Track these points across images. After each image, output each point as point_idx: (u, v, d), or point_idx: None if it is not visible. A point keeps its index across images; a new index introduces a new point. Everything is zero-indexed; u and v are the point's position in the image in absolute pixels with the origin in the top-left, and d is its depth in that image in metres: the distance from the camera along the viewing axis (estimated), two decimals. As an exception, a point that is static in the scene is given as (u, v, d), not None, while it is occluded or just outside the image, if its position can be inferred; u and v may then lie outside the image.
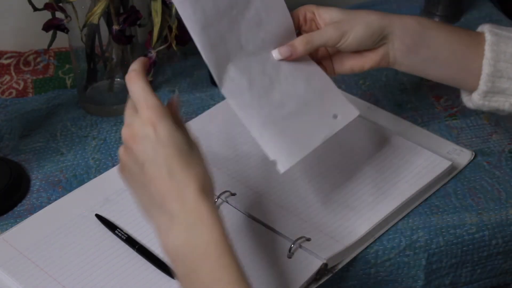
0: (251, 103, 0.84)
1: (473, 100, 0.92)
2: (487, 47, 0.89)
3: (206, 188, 0.72)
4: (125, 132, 0.73)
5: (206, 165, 0.74)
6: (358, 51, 0.90)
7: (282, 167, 0.82)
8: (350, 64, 0.92)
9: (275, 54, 0.88)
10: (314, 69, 0.91)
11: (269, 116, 0.84)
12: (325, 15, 0.90)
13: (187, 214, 0.71)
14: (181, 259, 0.71)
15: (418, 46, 0.90)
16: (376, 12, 0.90)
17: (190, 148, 0.73)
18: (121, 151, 0.74)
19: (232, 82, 0.84)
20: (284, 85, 0.87)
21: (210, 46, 0.82)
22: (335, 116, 0.89)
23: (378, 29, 0.88)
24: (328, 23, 0.89)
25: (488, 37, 0.90)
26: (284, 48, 0.88)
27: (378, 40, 0.89)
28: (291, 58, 0.88)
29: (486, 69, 0.89)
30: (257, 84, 0.85)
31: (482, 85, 0.90)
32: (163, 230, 0.72)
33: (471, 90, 0.92)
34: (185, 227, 0.71)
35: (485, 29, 0.91)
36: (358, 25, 0.88)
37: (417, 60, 0.91)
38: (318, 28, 0.90)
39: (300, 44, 0.88)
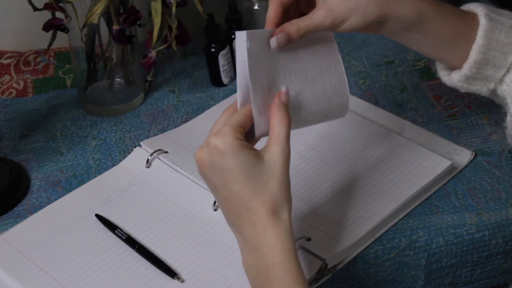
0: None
1: (451, 78, 0.90)
2: (480, 33, 0.87)
3: (276, 207, 0.75)
4: (196, 154, 0.78)
5: (278, 179, 0.76)
6: None
7: None
8: None
9: (273, 42, 0.82)
10: (335, 61, 0.87)
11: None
12: None
13: (255, 238, 0.75)
14: (252, 277, 0.77)
15: (409, 31, 0.87)
16: None
17: (258, 169, 0.75)
18: (198, 162, 0.78)
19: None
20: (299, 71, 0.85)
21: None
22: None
23: (373, 20, 0.84)
24: (322, 5, 0.84)
25: (482, 22, 0.87)
26: (280, 36, 0.82)
27: (373, 26, 0.86)
28: (285, 45, 0.83)
29: (474, 55, 0.87)
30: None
31: (466, 70, 0.88)
32: (240, 246, 0.78)
33: (452, 68, 0.91)
34: (253, 250, 0.75)
35: (480, 11, 0.87)
36: (353, 17, 0.83)
37: (404, 39, 0.89)
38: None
39: (293, 32, 0.82)
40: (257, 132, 0.80)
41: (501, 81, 0.89)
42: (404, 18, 0.86)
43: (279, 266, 0.74)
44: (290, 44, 0.82)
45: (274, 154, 0.76)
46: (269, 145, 0.77)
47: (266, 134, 0.80)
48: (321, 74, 0.85)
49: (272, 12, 0.84)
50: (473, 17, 0.88)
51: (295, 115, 0.81)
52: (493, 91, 0.91)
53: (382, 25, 0.86)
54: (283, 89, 0.80)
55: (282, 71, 0.81)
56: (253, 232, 0.75)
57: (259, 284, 0.76)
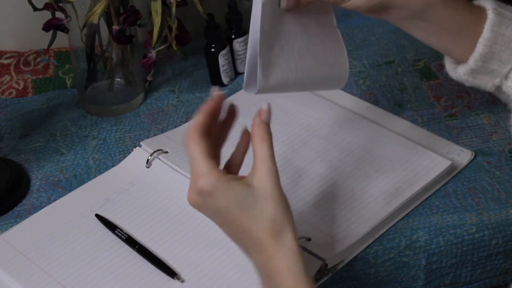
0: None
1: (457, 72, 0.91)
2: (487, 27, 0.87)
3: (277, 230, 0.74)
4: (188, 197, 0.76)
5: (271, 201, 0.74)
6: None
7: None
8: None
9: (283, 2, 0.82)
10: (335, 37, 0.90)
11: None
12: None
13: (264, 266, 0.75)
14: None
15: (415, 19, 0.88)
16: None
17: (250, 198, 0.74)
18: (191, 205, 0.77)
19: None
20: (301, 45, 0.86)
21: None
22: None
23: (379, 1, 0.85)
24: None
25: (490, 15, 0.87)
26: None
27: (377, 9, 0.86)
28: (294, 8, 0.84)
29: (480, 49, 0.87)
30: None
31: (472, 63, 0.88)
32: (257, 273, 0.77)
33: (457, 61, 0.91)
34: (266, 276, 0.75)
35: (489, 6, 0.88)
36: None
37: (409, 26, 0.89)
38: None
39: None
40: (258, 90, 0.79)
41: (506, 76, 0.89)
42: (411, 5, 0.86)
43: None
44: (297, 8, 0.82)
45: (262, 176, 0.75)
46: (255, 168, 0.76)
47: (267, 91, 0.80)
48: (323, 43, 0.87)
49: None
50: (481, 10, 0.88)
51: (296, 77, 0.81)
52: (498, 88, 0.91)
53: (388, 10, 0.86)
54: (265, 106, 0.77)
55: (288, 31, 0.82)
56: (261, 260, 0.75)
57: None
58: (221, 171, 0.75)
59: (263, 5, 0.78)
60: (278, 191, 0.75)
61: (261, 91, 0.80)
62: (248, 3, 1.19)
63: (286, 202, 0.76)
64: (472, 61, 0.88)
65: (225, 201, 0.74)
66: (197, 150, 0.75)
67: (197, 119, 0.77)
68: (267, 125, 0.77)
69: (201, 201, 0.75)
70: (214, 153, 0.77)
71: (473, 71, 0.89)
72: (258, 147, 0.76)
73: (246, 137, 0.79)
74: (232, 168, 0.80)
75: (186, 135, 0.76)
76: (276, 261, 0.74)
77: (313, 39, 0.85)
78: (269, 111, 0.77)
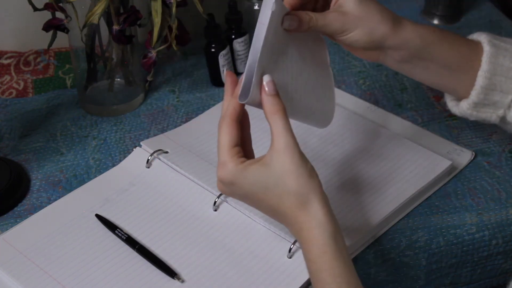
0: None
1: (460, 108, 0.92)
2: (484, 59, 0.88)
3: (303, 202, 0.77)
4: (217, 186, 0.81)
5: (292, 174, 0.77)
6: None
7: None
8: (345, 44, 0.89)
9: (285, 22, 0.81)
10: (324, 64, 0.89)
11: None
12: None
13: (297, 237, 0.79)
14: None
15: (413, 59, 0.88)
16: (385, 15, 0.85)
17: (271, 177, 0.77)
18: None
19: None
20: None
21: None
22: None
23: (378, 39, 0.86)
24: (336, 8, 0.85)
25: (486, 48, 0.88)
26: (294, 19, 0.82)
27: (375, 47, 0.87)
28: (295, 32, 0.83)
29: (480, 81, 0.88)
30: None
31: (474, 97, 0.89)
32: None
33: (459, 98, 0.92)
34: (300, 246, 0.81)
35: (483, 39, 0.89)
36: (360, 28, 0.85)
37: (408, 67, 0.90)
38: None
39: (305, 21, 0.83)
40: (249, 98, 0.79)
41: (509, 106, 0.90)
42: (410, 44, 0.87)
43: (315, 262, 0.77)
44: (297, 31, 0.82)
45: (279, 150, 0.77)
46: (272, 143, 0.78)
47: (258, 103, 0.79)
48: (315, 75, 0.86)
49: None
50: (477, 44, 0.90)
51: (284, 97, 0.80)
52: (503, 119, 0.91)
53: (386, 51, 0.88)
54: (266, 79, 0.78)
55: (285, 51, 0.82)
56: (294, 231, 0.79)
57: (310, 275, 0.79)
58: (239, 159, 0.78)
59: (272, 13, 0.78)
60: (298, 162, 0.77)
61: (250, 101, 0.80)
62: (248, 3, 1.19)
63: (308, 170, 0.78)
64: (474, 94, 0.89)
65: (246, 187, 0.78)
66: (222, 139, 0.79)
67: (230, 106, 0.80)
68: (273, 97, 0.78)
69: (227, 189, 0.80)
70: (244, 137, 0.81)
71: (476, 105, 0.90)
72: (271, 121, 0.78)
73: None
74: (247, 152, 0.82)
75: (219, 123, 0.80)
76: (304, 232, 0.77)
77: (306, 67, 0.85)
78: (271, 83, 0.78)
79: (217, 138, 0.80)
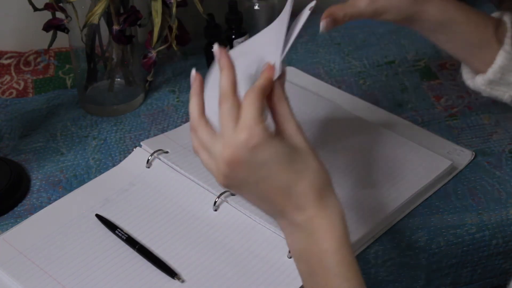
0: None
1: (475, 82, 0.93)
2: (508, 40, 0.89)
3: (322, 186, 0.73)
4: (226, 156, 0.72)
5: (313, 156, 0.73)
6: None
7: None
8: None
9: (322, 26, 0.86)
10: None
11: None
12: None
13: (307, 223, 0.73)
14: (302, 261, 0.75)
15: (437, 32, 0.91)
16: None
17: (294, 153, 0.73)
18: (224, 165, 0.73)
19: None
20: None
21: None
22: None
23: (405, 16, 0.89)
24: None
25: (510, 28, 0.89)
26: (329, 21, 0.87)
27: (403, 21, 0.91)
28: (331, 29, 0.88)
29: (500, 61, 0.89)
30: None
31: (490, 74, 0.90)
32: (285, 231, 0.76)
33: (476, 71, 0.93)
34: (304, 234, 0.73)
35: (509, 19, 0.89)
36: (389, 12, 0.89)
37: (433, 37, 0.93)
38: None
39: (339, 18, 0.88)
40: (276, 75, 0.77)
41: None
42: (432, 20, 0.90)
43: (334, 254, 0.72)
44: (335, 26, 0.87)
45: (292, 133, 0.74)
46: (282, 127, 0.74)
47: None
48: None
49: None
50: (501, 24, 0.90)
51: None
52: None
53: (414, 22, 0.91)
54: (272, 61, 0.76)
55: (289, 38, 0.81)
56: (304, 217, 0.73)
57: (310, 269, 0.74)
58: (265, 124, 0.73)
59: (290, 10, 0.78)
60: (312, 146, 0.74)
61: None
62: (248, 3, 1.19)
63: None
64: (491, 72, 0.90)
65: (272, 153, 0.72)
66: (253, 104, 0.72)
67: (263, 82, 0.74)
68: (278, 82, 0.75)
69: (244, 157, 0.71)
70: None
71: (491, 82, 0.91)
72: (280, 106, 0.74)
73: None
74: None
75: (249, 92, 0.73)
76: (320, 220, 0.73)
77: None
78: (273, 68, 0.75)
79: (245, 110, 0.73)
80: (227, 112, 0.73)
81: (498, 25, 0.90)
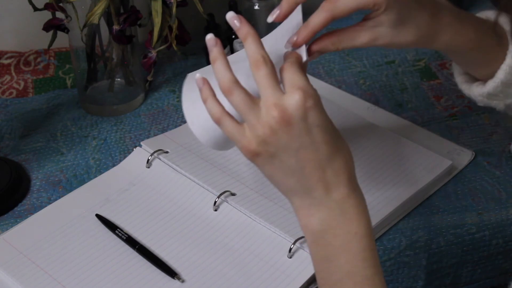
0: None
1: (472, 91, 0.91)
2: (510, 54, 0.86)
3: (353, 175, 0.72)
4: (277, 113, 0.68)
5: (347, 144, 0.72)
6: None
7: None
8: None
9: (303, 54, 0.77)
10: None
11: None
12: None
13: (335, 204, 0.70)
14: (321, 244, 0.71)
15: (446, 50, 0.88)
16: (423, 21, 0.81)
17: (335, 128, 0.71)
18: (267, 129, 0.69)
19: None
20: None
21: None
22: None
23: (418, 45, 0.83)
24: (369, 27, 0.79)
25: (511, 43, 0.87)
26: (316, 55, 0.79)
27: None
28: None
29: (502, 75, 0.87)
30: None
31: (491, 88, 0.88)
32: (304, 211, 0.72)
33: (474, 79, 0.91)
34: (329, 215, 0.71)
35: (509, 33, 0.86)
36: (395, 45, 0.81)
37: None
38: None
39: (330, 48, 0.79)
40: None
41: None
42: (442, 48, 0.86)
43: (362, 238, 0.70)
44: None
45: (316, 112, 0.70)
46: (290, 92, 0.69)
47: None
48: None
49: (320, 22, 0.77)
50: (502, 38, 0.87)
51: None
52: (508, 106, 0.91)
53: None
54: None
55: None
56: (337, 195, 0.71)
57: (330, 252, 0.71)
58: None
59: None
60: None
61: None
62: (248, 3, 1.19)
63: None
64: (492, 86, 0.88)
65: (324, 119, 0.69)
66: (298, 71, 0.69)
67: (295, 57, 0.72)
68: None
69: (299, 115, 0.68)
70: None
71: (490, 95, 0.90)
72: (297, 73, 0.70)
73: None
74: None
75: (288, 63, 0.71)
76: (353, 201, 0.71)
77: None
78: (295, 53, 0.72)
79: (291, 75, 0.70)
80: (268, 75, 0.69)
81: (500, 39, 0.87)
